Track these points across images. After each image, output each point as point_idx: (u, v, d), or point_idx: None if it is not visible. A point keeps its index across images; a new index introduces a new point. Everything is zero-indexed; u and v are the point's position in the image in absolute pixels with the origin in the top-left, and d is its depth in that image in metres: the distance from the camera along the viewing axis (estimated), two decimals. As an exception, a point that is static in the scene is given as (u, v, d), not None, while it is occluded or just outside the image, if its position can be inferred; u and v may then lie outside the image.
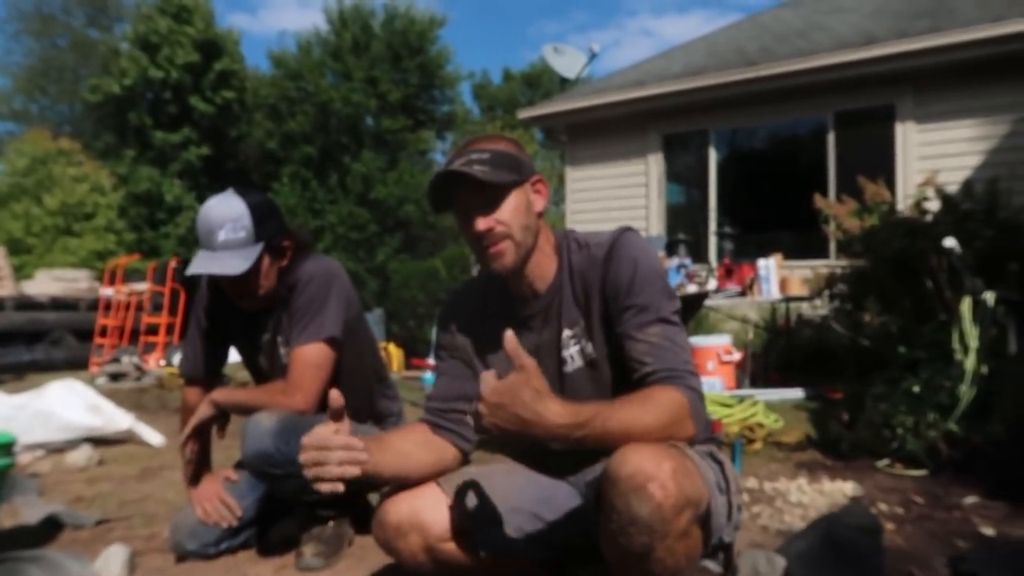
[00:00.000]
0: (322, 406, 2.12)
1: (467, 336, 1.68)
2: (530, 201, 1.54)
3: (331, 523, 2.27)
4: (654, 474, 1.22)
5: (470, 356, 1.67)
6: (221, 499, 2.28)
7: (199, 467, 2.33)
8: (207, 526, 2.26)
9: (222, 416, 2.24)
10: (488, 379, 1.27)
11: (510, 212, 1.50)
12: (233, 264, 2.08)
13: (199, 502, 2.29)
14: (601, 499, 1.29)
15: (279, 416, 2.07)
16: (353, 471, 1.28)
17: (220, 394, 2.24)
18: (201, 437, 2.27)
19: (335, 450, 1.27)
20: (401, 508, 1.51)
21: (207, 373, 2.41)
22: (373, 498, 2.82)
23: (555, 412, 1.27)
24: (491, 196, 1.49)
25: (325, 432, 1.29)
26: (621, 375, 1.51)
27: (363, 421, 2.37)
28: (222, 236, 2.08)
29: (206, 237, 2.10)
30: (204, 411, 2.20)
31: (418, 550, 1.51)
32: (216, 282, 2.27)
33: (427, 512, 1.50)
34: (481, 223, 1.49)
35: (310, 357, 2.17)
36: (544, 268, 1.58)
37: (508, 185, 1.49)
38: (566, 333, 1.56)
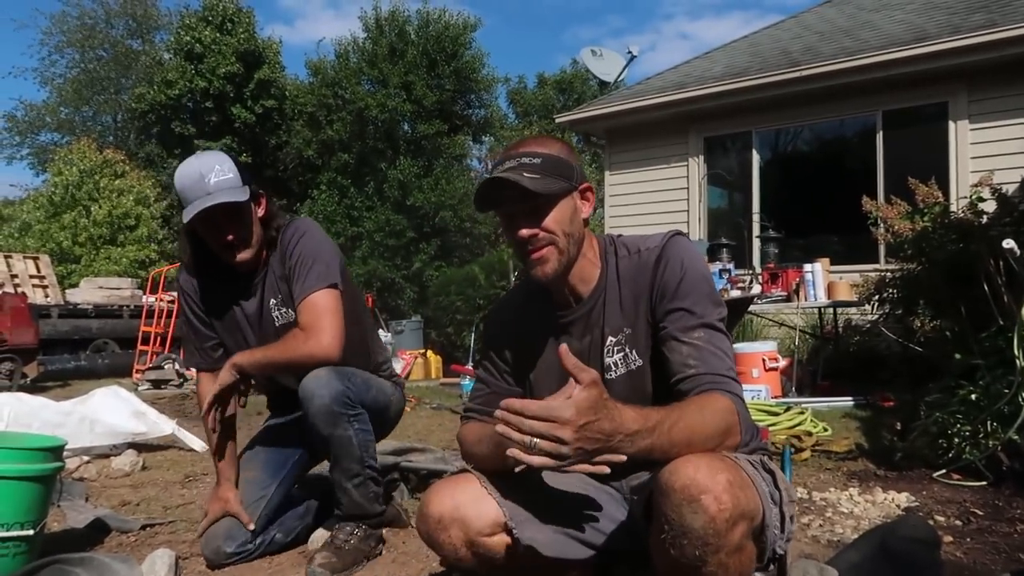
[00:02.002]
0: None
1: (509, 349, 1.68)
2: (577, 209, 1.52)
3: (359, 533, 2.24)
4: (708, 486, 1.20)
5: (512, 370, 1.67)
6: (232, 512, 2.27)
7: (223, 439, 2.30)
8: (240, 527, 2.26)
9: (243, 381, 2.21)
10: (559, 403, 1.19)
11: (555, 221, 1.48)
12: (235, 194, 2.11)
13: (210, 513, 2.30)
14: (653, 509, 1.26)
15: (328, 368, 2.12)
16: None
17: (241, 357, 2.20)
18: (223, 404, 2.21)
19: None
20: (444, 502, 1.50)
21: (217, 359, 2.36)
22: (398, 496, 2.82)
23: (630, 418, 1.24)
24: (538, 204, 1.48)
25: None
26: (662, 382, 1.49)
27: (361, 368, 2.36)
28: (213, 179, 2.11)
29: (195, 185, 2.11)
30: (225, 377, 2.16)
31: (459, 544, 1.50)
32: (202, 258, 2.27)
33: (469, 507, 1.49)
34: (525, 231, 1.49)
35: (323, 301, 2.17)
36: (587, 274, 1.57)
37: (557, 195, 1.48)
38: (610, 340, 1.55)
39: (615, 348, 1.54)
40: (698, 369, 1.40)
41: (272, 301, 2.28)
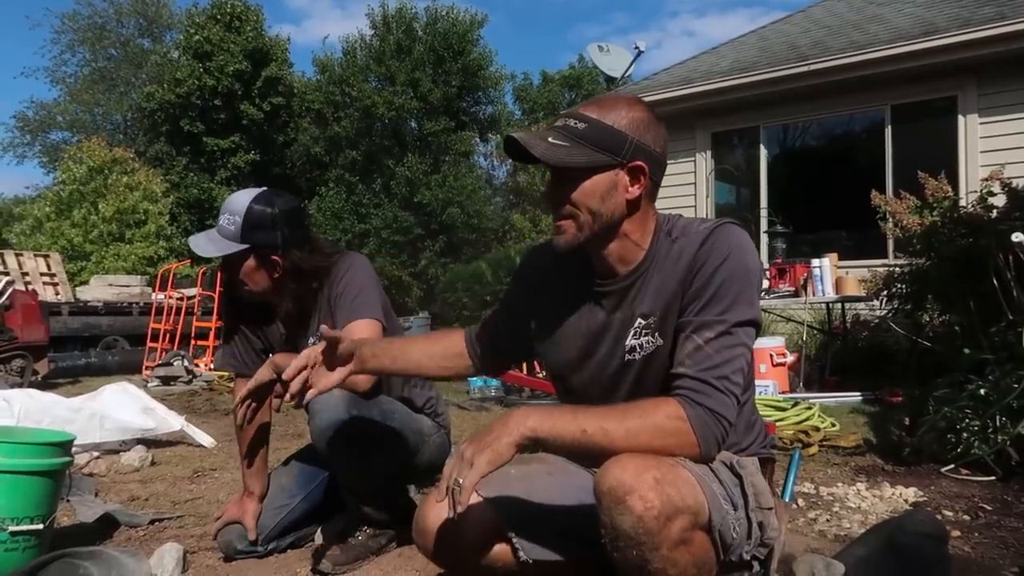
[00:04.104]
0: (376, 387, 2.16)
1: (533, 292, 1.63)
2: (616, 186, 1.39)
3: (367, 531, 2.24)
4: (633, 486, 1.18)
5: (524, 311, 1.64)
6: (244, 524, 2.27)
7: (254, 448, 2.29)
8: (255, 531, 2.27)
9: (278, 382, 2.14)
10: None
11: (581, 195, 1.38)
12: (207, 248, 2.16)
13: (225, 515, 2.31)
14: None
15: (343, 393, 2.06)
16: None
17: (281, 357, 2.16)
18: (257, 401, 2.16)
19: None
20: (441, 512, 1.47)
21: (255, 365, 2.32)
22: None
23: (515, 410, 1.29)
24: (563, 172, 1.40)
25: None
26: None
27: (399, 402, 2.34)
28: (221, 221, 2.16)
29: (218, 219, 2.19)
30: (263, 374, 2.13)
31: (458, 555, 1.50)
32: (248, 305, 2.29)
33: (467, 516, 1.43)
34: (548, 194, 1.44)
35: (362, 332, 2.12)
36: (628, 254, 1.47)
37: (584, 168, 1.37)
38: (639, 322, 1.46)
39: (643, 331, 1.46)
40: (682, 370, 1.33)
41: (312, 340, 2.24)
